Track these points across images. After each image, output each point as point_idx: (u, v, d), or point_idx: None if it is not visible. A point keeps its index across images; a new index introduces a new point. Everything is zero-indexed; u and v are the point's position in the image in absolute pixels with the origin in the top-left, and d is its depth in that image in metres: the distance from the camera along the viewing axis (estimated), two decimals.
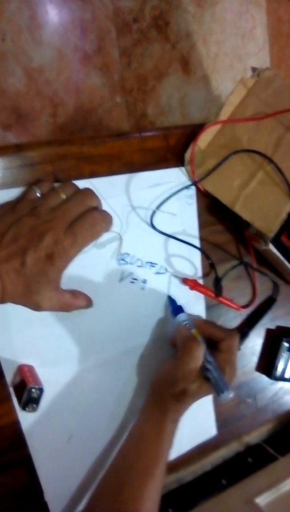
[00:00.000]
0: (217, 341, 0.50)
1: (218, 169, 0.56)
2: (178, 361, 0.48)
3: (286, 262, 0.58)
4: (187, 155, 0.55)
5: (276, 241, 0.56)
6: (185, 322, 0.52)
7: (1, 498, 0.50)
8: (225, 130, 0.57)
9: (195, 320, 0.53)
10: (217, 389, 0.46)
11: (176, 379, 0.47)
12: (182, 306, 0.55)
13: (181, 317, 0.53)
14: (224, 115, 0.57)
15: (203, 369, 0.48)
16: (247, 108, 0.58)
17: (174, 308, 0.55)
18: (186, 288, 0.57)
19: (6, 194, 0.45)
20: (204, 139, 0.56)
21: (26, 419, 0.49)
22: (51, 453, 0.51)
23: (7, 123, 1.22)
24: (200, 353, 0.46)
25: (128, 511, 0.44)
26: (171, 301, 0.56)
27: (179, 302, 0.56)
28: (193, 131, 0.55)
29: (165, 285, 0.57)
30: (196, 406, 0.49)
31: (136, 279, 0.55)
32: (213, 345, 0.50)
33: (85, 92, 1.30)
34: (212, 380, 0.47)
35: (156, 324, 0.57)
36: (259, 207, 0.55)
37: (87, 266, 0.51)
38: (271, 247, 0.56)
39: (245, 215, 0.55)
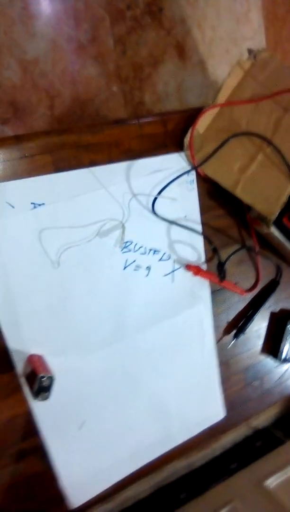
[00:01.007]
0: None
1: (217, 153, 0.55)
2: None
3: (288, 244, 0.58)
4: (186, 140, 0.54)
5: (278, 224, 0.56)
6: None
7: (15, 486, 0.51)
8: (224, 114, 0.57)
9: None
10: None
11: None
12: None
13: None
14: (222, 98, 0.56)
15: None
16: (244, 90, 0.57)
17: None
18: (190, 273, 0.58)
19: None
20: (202, 123, 0.56)
21: (38, 408, 0.50)
22: (64, 439, 0.52)
23: (4, 117, 1.21)
24: None
25: None
26: None
27: (184, 289, 0.55)
28: (192, 116, 0.55)
29: (169, 271, 0.57)
30: (203, 389, 0.49)
31: (139, 267, 0.55)
32: None
33: (81, 83, 1.29)
34: None
35: (161, 310, 0.57)
36: (260, 190, 0.55)
37: (91, 255, 0.51)
38: (273, 229, 0.56)
39: (246, 199, 0.55)
